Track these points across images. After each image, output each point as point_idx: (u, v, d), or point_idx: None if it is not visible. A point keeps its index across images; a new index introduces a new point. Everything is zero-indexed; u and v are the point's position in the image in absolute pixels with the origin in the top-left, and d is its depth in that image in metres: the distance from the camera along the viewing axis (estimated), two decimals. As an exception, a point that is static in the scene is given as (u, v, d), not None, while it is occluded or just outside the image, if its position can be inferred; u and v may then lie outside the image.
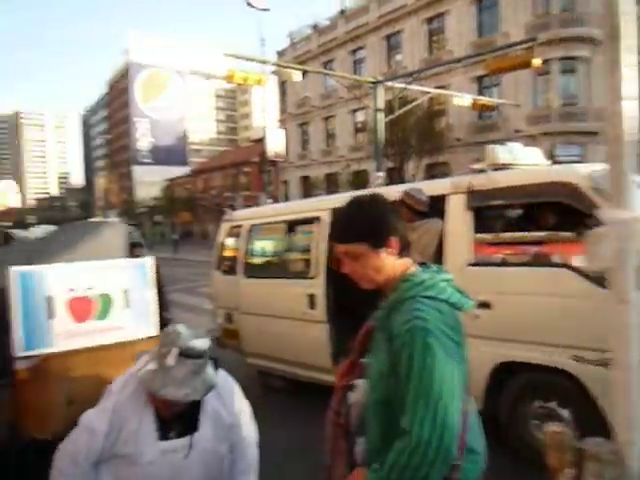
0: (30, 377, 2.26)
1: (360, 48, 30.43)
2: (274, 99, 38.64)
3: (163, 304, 4.01)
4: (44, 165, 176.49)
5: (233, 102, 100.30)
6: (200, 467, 1.79)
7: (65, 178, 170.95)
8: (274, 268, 5.62)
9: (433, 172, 24.08)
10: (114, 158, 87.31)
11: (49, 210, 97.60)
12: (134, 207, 62.65)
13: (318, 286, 4.69)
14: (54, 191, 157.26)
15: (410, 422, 1.25)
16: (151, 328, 2.43)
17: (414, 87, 16.62)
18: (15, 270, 2.15)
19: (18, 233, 4.45)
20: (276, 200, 32.28)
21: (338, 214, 1.50)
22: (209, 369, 1.76)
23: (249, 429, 1.97)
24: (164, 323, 2.47)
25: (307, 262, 4.98)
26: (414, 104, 18.20)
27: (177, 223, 52.54)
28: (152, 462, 1.72)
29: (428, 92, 17.59)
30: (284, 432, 4.60)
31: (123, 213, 56.39)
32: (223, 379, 1.91)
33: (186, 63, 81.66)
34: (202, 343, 1.70)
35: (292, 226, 5.37)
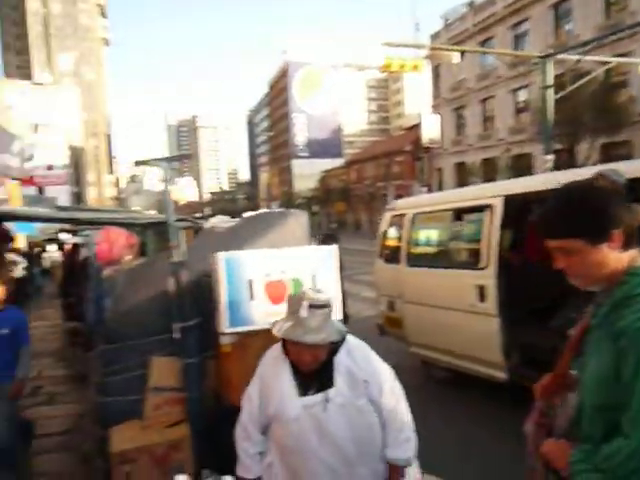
0: (232, 351, 2.54)
1: (522, 21, 27.98)
2: (427, 85, 37.67)
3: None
4: (217, 162, 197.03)
5: (385, 91, 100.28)
6: (341, 419, 1.91)
7: (234, 174, 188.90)
8: (439, 257, 5.49)
9: (611, 153, 21.19)
10: (275, 153, 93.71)
11: (221, 203, 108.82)
12: (293, 199, 66.62)
13: (489, 277, 4.47)
14: (225, 186, 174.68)
15: (632, 426, 1.16)
16: (336, 313, 2.54)
17: (590, 58, 14.76)
18: (221, 255, 2.42)
19: (207, 224, 4.98)
20: (430, 188, 31.57)
21: (547, 205, 1.37)
22: (336, 322, 1.96)
23: (389, 386, 2.03)
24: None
25: (476, 252, 4.77)
26: (589, 77, 16.13)
27: (332, 213, 54.60)
28: (297, 418, 1.89)
29: (607, 62, 15.44)
30: (447, 427, 4.52)
31: (284, 204, 60.35)
32: (352, 339, 2.04)
33: (340, 57, 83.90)
34: (325, 295, 1.90)
35: (459, 214, 5.18)
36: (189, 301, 2.68)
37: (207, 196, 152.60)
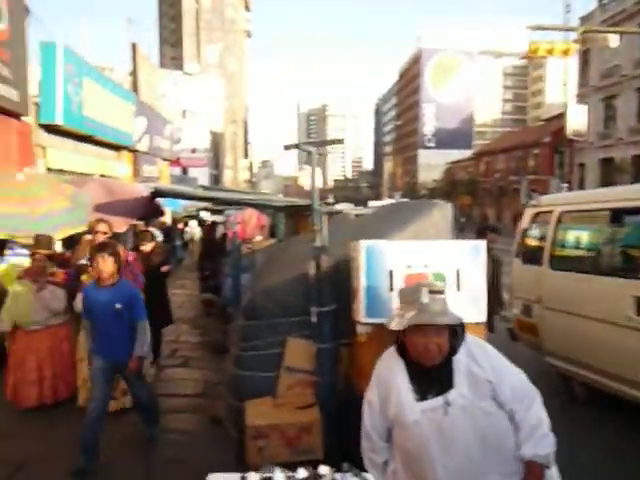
0: (367, 341, 2.48)
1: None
2: (573, 72, 34.14)
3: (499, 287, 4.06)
4: (342, 151, 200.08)
5: (523, 79, 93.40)
6: (465, 423, 1.78)
7: (359, 162, 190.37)
8: (590, 262, 4.92)
9: None
10: (400, 143, 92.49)
11: (344, 190, 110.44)
12: (416, 189, 65.33)
13: (653, 289, 3.89)
14: (349, 174, 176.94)
15: None
16: (480, 314, 2.37)
17: None
18: (363, 243, 2.37)
19: (341, 211, 4.98)
20: (571, 185, 28.78)
21: None
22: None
23: (519, 384, 1.87)
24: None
25: (637, 259, 4.17)
26: None
27: (457, 207, 52.53)
28: (417, 422, 1.78)
29: None
30: (586, 451, 4.05)
31: (406, 195, 59.48)
32: (472, 338, 1.91)
33: (476, 43, 79.71)
34: (440, 283, 1.95)
35: (619, 215, 4.57)
36: (328, 286, 2.67)
37: (331, 184, 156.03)
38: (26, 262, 6.00)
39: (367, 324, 2.42)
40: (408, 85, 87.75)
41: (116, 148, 15.09)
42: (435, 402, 1.81)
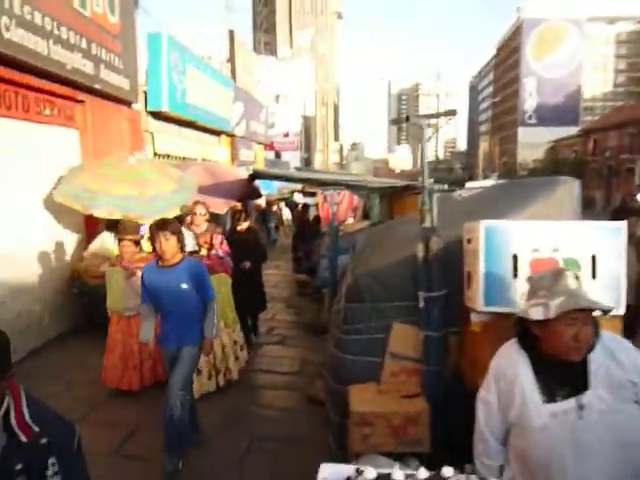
0: (482, 331, 2.28)
1: None
2: None
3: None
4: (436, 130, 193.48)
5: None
6: (604, 430, 1.55)
7: (452, 143, 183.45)
8: None
9: None
10: (497, 121, 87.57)
11: (436, 172, 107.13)
12: (514, 170, 61.65)
13: None
14: (441, 155, 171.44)
15: None
16: (619, 306, 2.07)
17: None
18: (483, 223, 2.16)
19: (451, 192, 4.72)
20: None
21: None
22: None
23: None
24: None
25: None
26: None
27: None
28: (545, 427, 1.59)
29: None
30: None
31: (504, 176, 56.39)
32: (608, 335, 1.69)
33: (584, 10, 72.64)
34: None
35: None
36: (438, 270, 2.50)
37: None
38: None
39: (484, 313, 2.22)
40: (507, 59, 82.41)
41: (216, 133, 15.70)
42: (567, 404, 1.59)
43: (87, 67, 7.48)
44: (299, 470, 3.70)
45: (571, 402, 1.59)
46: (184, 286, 3.47)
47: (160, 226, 3.46)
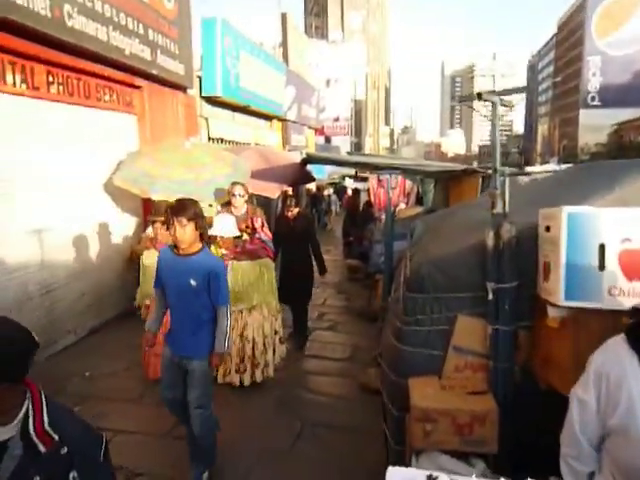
0: (560, 328, 2.10)
1: None
2: None
3: None
4: (490, 113, 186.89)
5: None
6: None
7: (509, 126, 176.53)
8: None
9: None
10: (558, 103, 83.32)
11: (490, 156, 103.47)
12: (575, 154, 58.64)
13: None
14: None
15: None
16: None
17: None
18: (565, 210, 1.96)
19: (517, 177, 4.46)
20: None
21: None
22: None
23: None
24: None
25: None
26: None
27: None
28: None
29: None
30: None
31: (563, 160, 53.80)
32: None
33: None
34: None
35: None
36: (509, 259, 2.31)
37: (475, 150, 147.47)
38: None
39: (563, 307, 2.03)
40: (569, 37, 77.93)
41: (268, 117, 15.73)
42: None
43: (145, 53, 7.60)
44: (353, 460, 3.65)
45: None
46: (192, 282, 2.97)
47: (176, 210, 2.94)
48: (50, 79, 5.85)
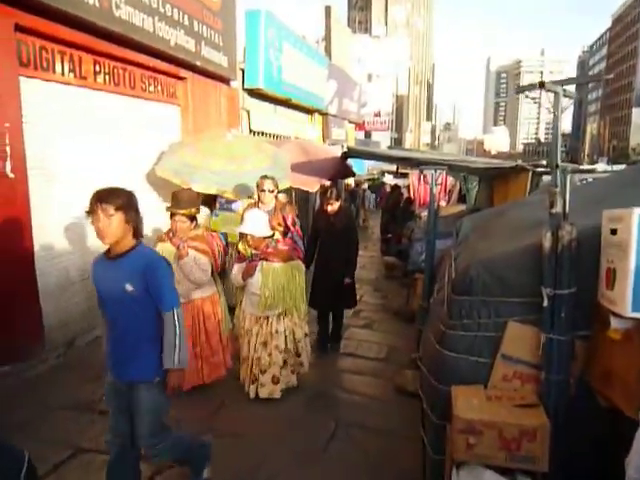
0: (623, 339, 1.92)
1: None
2: None
3: None
4: (536, 111, 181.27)
5: None
6: None
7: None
8: None
9: None
10: (609, 100, 79.96)
11: (534, 155, 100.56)
12: (626, 155, 56.07)
13: None
14: (542, 137, 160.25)
15: None
16: None
17: None
18: (635, 211, 1.78)
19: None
20: None
21: None
22: None
23: None
24: None
25: None
26: None
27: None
28: None
29: None
30: None
31: (612, 161, 51.53)
32: None
33: None
34: None
35: None
36: (568, 263, 2.13)
37: (519, 148, 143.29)
38: (230, 216, 6.43)
39: (629, 318, 1.85)
40: (624, 32, 74.48)
41: (309, 111, 15.65)
42: None
43: (189, 44, 7.63)
44: (388, 464, 3.53)
45: None
46: (128, 287, 2.39)
47: (101, 196, 2.32)
48: (97, 69, 5.94)
